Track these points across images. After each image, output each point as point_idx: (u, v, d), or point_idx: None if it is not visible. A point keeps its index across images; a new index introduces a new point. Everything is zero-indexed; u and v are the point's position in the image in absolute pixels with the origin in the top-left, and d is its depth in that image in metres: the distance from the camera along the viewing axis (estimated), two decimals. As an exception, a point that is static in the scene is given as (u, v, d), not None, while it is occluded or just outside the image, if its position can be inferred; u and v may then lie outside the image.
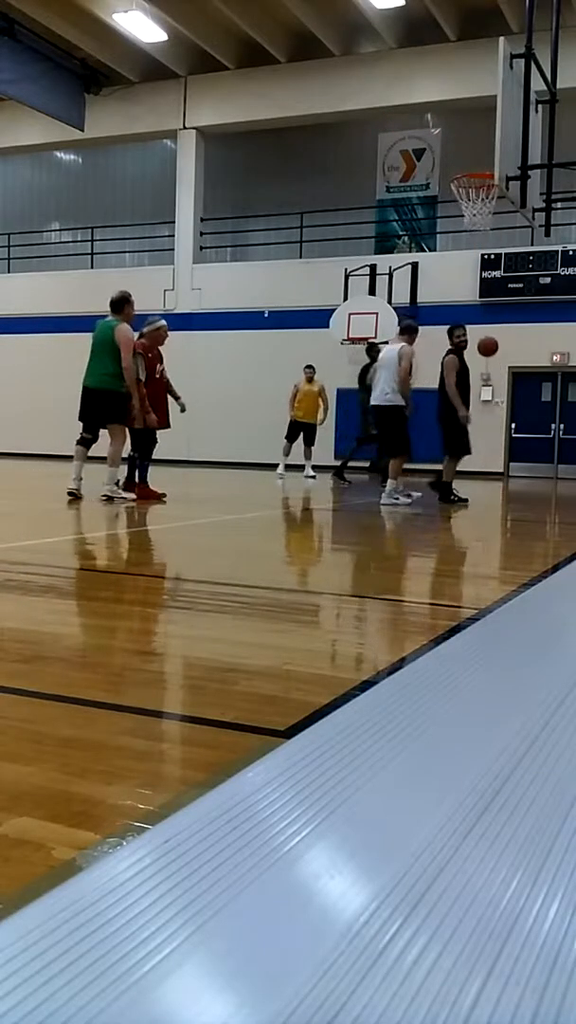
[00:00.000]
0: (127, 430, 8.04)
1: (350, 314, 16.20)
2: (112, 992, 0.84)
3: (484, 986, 0.88)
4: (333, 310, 16.34)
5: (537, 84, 9.55)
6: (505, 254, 16.49)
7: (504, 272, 16.50)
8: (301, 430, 13.33)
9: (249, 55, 17.82)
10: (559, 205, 11.82)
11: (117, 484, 7.81)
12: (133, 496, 7.91)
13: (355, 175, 18.54)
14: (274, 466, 13.82)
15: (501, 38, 9.08)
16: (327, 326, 16.00)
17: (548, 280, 16.22)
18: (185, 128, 19.05)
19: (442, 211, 17.53)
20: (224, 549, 5.28)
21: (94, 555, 4.74)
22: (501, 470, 16.85)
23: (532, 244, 16.21)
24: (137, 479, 8.29)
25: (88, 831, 1.26)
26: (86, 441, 7.94)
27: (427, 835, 1.22)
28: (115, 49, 17.80)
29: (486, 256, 16.59)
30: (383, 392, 8.59)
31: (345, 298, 16.65)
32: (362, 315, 16.11)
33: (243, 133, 18.99)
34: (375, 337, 16.13)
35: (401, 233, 18.57)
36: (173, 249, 19.42)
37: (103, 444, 7.91)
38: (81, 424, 8.00)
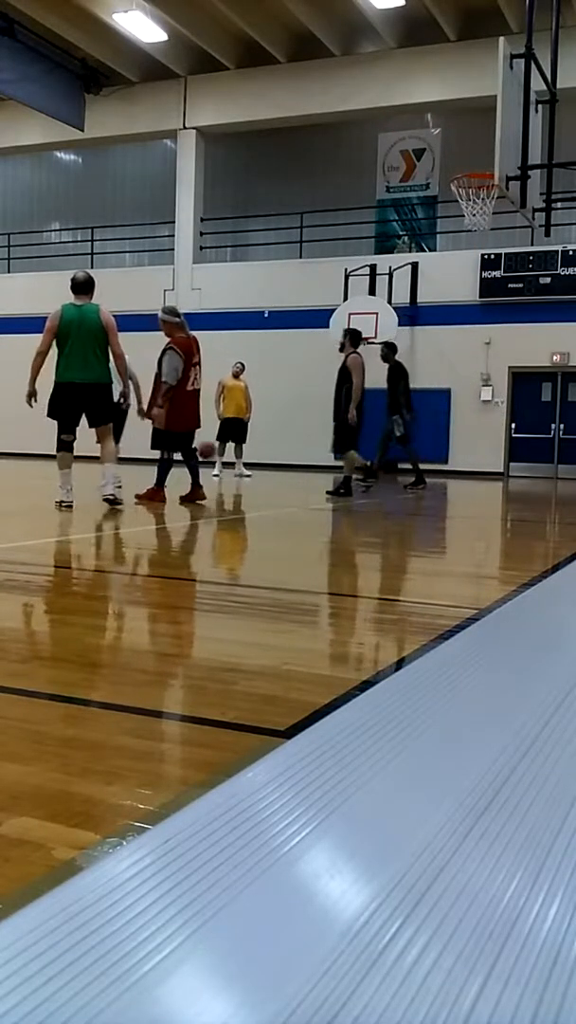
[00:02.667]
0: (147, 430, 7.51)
1: (350, 314, 16.19)
2: (112, 992, 0.84)
3: (484, 986, 0.88)
4: (333, 310, 16.34)
5: (537, 84, 9.56)
6: (505, 254, 16.49)
7: (504, 272, 16.51)
8: (232, 428, 13.12)
9: (249, 55, 17.82)
10: (559, 205, 11.82)
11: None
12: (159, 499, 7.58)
13: (355, 175, 18.55)
14: (274, 466, 13.82)
15: (501, 38, 9.08)
16: (327, 326, 15.99)
17: (548, 280, 16.23)
18: (185, 128, 19.05)
19: (442, 211, 17.54)
20: (223, 549, 5.28)
21: (95, 555, 4.74)
22: (501, 470, 16.86)
23: (532, 244, 16.21)
24: (157, 483, 7.82)
25: (88, 831, 1.26)
26: (70, 444, 7.05)
27: (427, 835, 1.22)
28: (115, 49, 17.80)
29: (486, 256, 16.60)
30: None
31: (345, 298, 16.65)
32: (362, 315, 16.11)
33: (243, 133, 18.99)
34: (375, 337, 16.15)
35: (401, 233, 18.57)
36: (173, 249, 19.42)
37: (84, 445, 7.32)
38: (56, 425, 7.06)
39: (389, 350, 11.47)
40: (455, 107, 17.16)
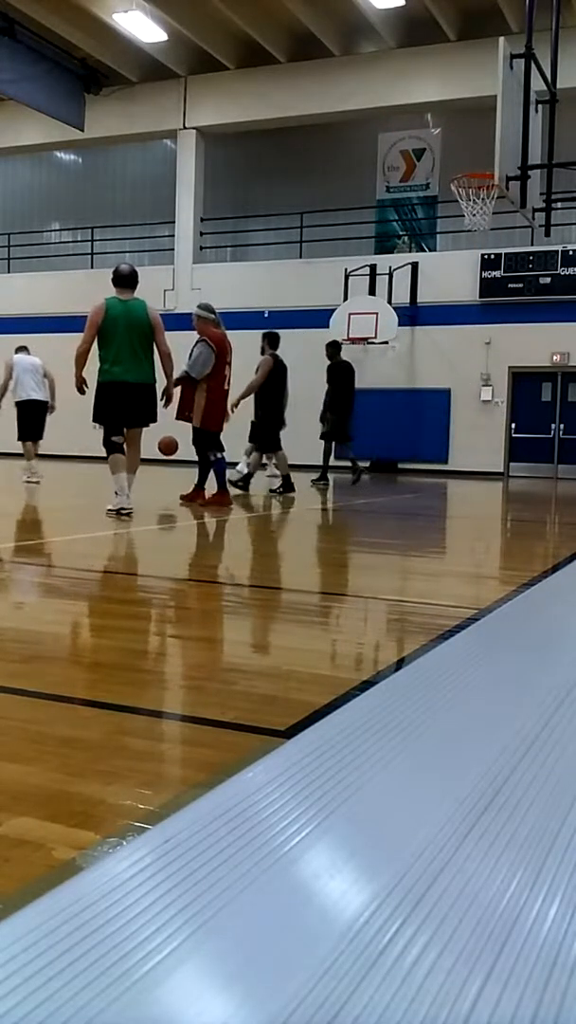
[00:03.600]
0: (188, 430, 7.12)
1: (350, 314, 16.21)
2: (112, 992, 0.84)
3: (484, 986, 0.88)
4: (333, 310, 16.35)
5: (537, 84, 9.55)
6: (505, 254, 16.49)
7: (504, 272, 16.51)
8: None
9: (249, 55, 17.83)
10: (559, 205, 11.82)
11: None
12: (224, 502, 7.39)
13: (355, 175, 18.55)
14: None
15: (501, 38, 9.08)
16: (327, 326, 16.00)
17: (548, 280, 16.23)
18: (185, 128, 19.06)
19: (442, 211, 17.54)
20: (224, 549, 5.28)
21: (95, 555, 4.74)
22: (501, 470, 16.86)
23: (532, 244, 16.22)
24: (219, 486, 7.72)
25: (88, 831, 1.26)
26: (121, 446, 6.48)
27: (427, 835, 1.22)
28: (115, 49, 17.81)
29: (486, 256, 16.60)
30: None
31: (345, 298, 16.65)
32: (362, 315, 16.12)
33: (243, 133, 18.99)
34: (375, 337, 16.15)
35: (401, 233, 18.57)
36: (173, 249, 19.42)
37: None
38: (101, 428, 6.55)
39: (333, 349, 11.74)
40: (455, 107, 17.16)
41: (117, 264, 6.82)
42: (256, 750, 1.56)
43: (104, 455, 6.46)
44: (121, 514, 6.18)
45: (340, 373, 11.38)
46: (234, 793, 1.35)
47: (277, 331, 10.14)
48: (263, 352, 9.79)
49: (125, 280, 6.53)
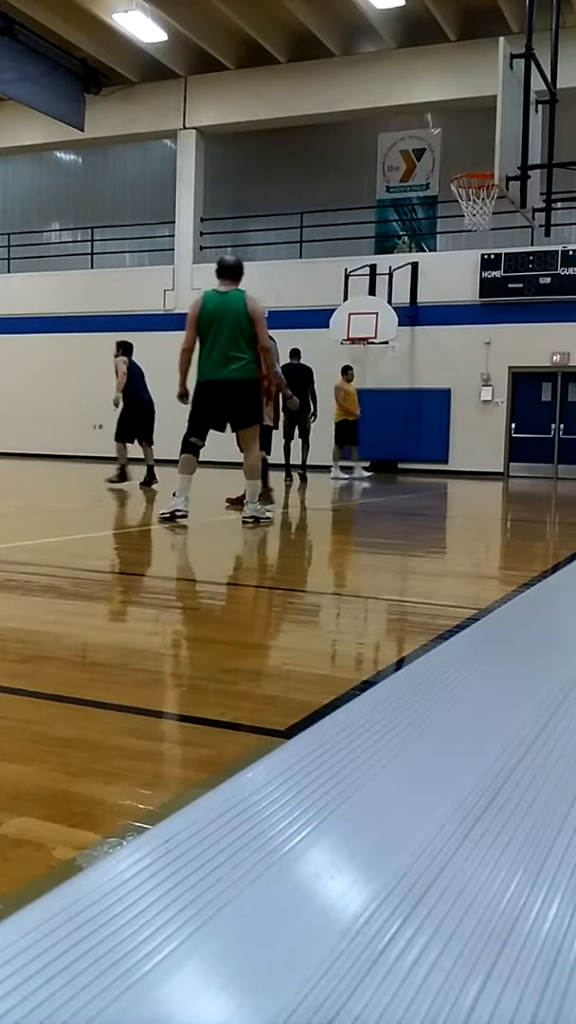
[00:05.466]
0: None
1: (350, 314, 16.20)
2: (112, 992, 0.84)
3: (484, 986, 0.88)
4: (333, 310, 16.35)
5: (537, 84, 9.56)
6: (505, 254, 16.49)
7: (504, 272, 16.51)
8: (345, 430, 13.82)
9: (249, 55, 17.83)
10: (559, 205, 11.83)
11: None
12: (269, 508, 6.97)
13: (355, 175, 18.55)
14: (277, 465, 13.87)
15: (501, 38, 9.08)
16: (327, 326, 16.01)
17: (548, 280, 16.23)
18: (185, 128, 19.06)
19: (442, 211, 17.54)
20: (223, 549, 5.28)
21: (95, 555, 4.74)
22: (501, 470, 16.86)
23: (532, 244, 16.22)
24: (264, 483, 7.29)
25: (88, 831, 1.26)
26: (198, 449, 6.19)
27: (427, 835, 1.22)
28: (115, 49, 17.81)
29: (486, 256, 16.60)
30: None
31: (345, 298, 16.65)
32: (362, 315, 16.12)
33: (243, 133, 18.99)
34: (375, 337, 16.15)
35: (401, 233, 18.57)
36: (173, 249, 19.42)
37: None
38: (190, 426, 6.19)
39: (293, 356, 12.53)
40: (455, 107, 17.16)
41: (221, 256, 6.48)
42: (256, 750, 1.56)
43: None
44: (176, 516, 5.91)
45: (292, 377, 11.52)
46: (234, 793, 1.35)
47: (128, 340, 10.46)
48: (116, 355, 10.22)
49: (227, 271, 6.15)
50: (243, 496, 7.06)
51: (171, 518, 5.91)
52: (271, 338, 8.02)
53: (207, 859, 1.12)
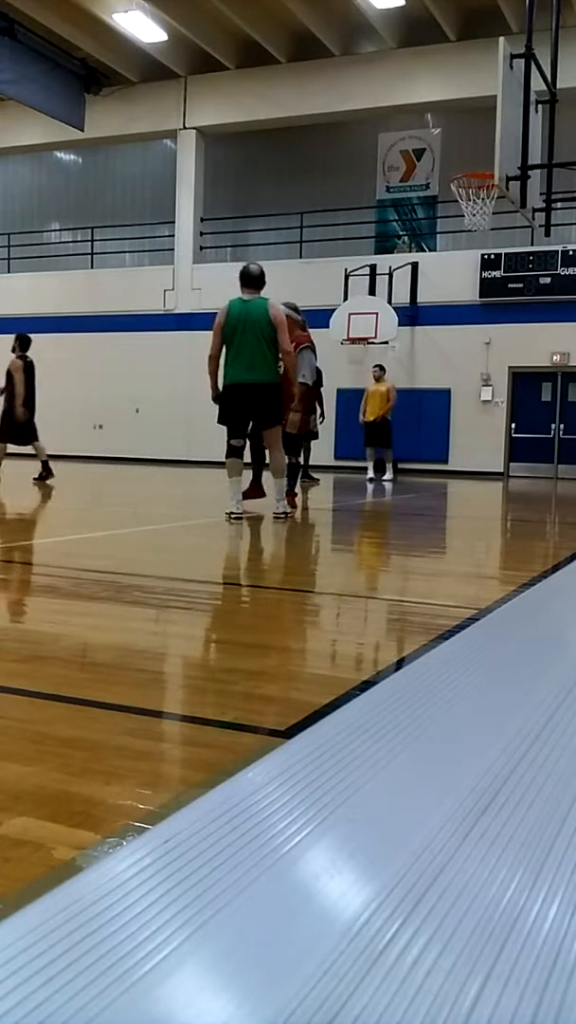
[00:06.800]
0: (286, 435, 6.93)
1: (350, 314, 16.21)
2: (112, 992, 0.84)
3: (484, 986, 0.88)
4: (333, 310, 16.35)
5: (537, 84, 9.56)
6: (505, 254, 16.50)
7: (504, 272, 16.52)
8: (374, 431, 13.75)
9: (249, 55, 17.83)
10: (559, 205, 11.83)
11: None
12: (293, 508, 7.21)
13: (355, 175, 18.55)
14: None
15: (501, 38, 9.08)
16: (327, 326, 16.01)
17: (548, 280, 16.24)
18: (185, 128, 19.06)
19: (442, 211, 17.54)
20: (223, 549, 5.28)
21: (95, 555, 4.74)
22: (501, 470, 16.86)
23: (532, 244, 16.22)
24: (290, 487, 7.48)
25: (88, 831, 1.26)
26: (240, 450, 6.57)
27: (427, 835, 1.22)
28: (115, 49, 17.81)
29: (486, 256, 16.60)
30: None
31: (345, 298, 16.66)
32: (362, 315, 16.12)
33: (243, 133, 19.00)
34: (375, 337, 16.15)
35: (401, 233, 18.57)
36: (173, 249, 19.42)
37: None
38: (226, 430, 6.53)
39: None
40: (455, 107, 17.17)
41: (246, 264, 6.77)
42: (256, 750, 1.57)
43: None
44: (232, 518, 6.32)
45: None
46: (234, 793, 1.35)
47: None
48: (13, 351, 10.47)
49: (251, 280, 6.49)
50: (250, 489, 7.29)
51: (230, 518, 6.37)
52: (309, 344, 7.97)
53: (207, 859, 1.12)
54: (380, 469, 13.77)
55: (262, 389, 6.34)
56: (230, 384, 6.38)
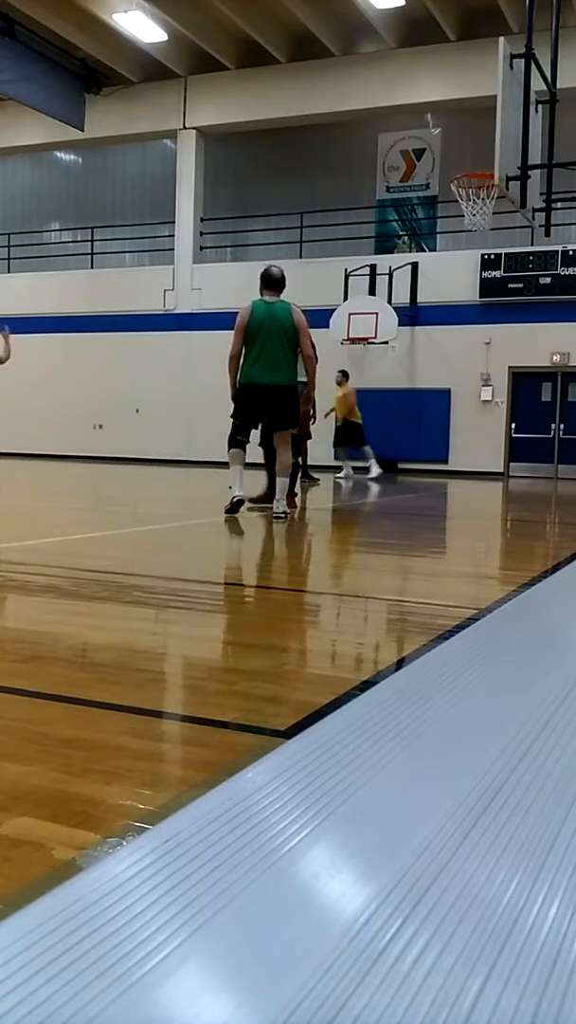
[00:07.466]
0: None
1: (350, 314, 16.21)
2: (112, 992, 0.84)
3: (484, 986, 0.88)
4: (333, 310, 16.35)
5: (537, 84, 9.56)
6: (505, 254, 16.50)
7: (504, 272, 16.52)
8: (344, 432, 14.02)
9: (249, 55, 17.83)
10: (559, 205, 11.83)
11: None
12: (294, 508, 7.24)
13: (355, 175, 18.55)
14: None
15: (501, 38, 9.09)
16: (327, 326, 16.01)
17: (548, 280, 16.24)
18: (185, 128, 19.06)
19: (442, 211, 17.54)
20: (223, 549, 5.28)
21: (95, 555, 4.74)
22: (501, 470, 16.86)
23: (532, 244, 16.23)
24: (291, 488, 7.45)
25: (88, 831, 1.26)
26: (244, 444, 6.70)
27: (427, 835, 1.22)
28: (115, 49, 17.81)
29: (486, 256, 16.60)
30: None
31: (345, 298, 16.66)
32: (362, 315, 16.13)
33: (243, 133, 19.00)
34: (375, 337, 16.16)
35: (401, 233, 18.58)
36: (173, 249, 19.43)
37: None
38: (234, 424, 6.68)
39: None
40: (455, 107, 17.17)
41: (268, 266, 6.86)
42: (256, 750, 1.56)
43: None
44: (233, 500, 6.45)
45: None
46: (234, 793, 1.35)
47: None
48: None
49: (273, 283, 6.62)
50: (263, 494, 7.34)
51: (234, 508, 6.50)
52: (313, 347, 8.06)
53: (207, 859, 1.12)
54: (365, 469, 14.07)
55: (282, 391, 6.46)
56: (249, 383, 6.46)
